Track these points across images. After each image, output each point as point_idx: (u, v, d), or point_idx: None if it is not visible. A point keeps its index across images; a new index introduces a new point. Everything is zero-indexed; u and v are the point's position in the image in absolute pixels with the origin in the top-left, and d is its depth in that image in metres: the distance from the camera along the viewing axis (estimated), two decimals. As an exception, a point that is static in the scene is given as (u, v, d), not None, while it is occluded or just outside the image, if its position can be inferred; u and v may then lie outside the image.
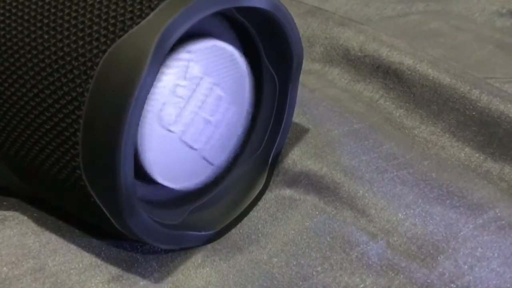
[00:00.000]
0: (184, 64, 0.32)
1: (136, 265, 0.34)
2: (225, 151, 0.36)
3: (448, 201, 0.38)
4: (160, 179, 0.33)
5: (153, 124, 0.31)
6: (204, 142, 0.35)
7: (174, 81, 0.32)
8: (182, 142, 0.33)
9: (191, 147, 0.34)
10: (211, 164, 0.36)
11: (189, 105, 0.33)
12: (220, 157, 0.36)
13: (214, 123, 0.35)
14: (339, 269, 0.34)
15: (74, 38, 0.30)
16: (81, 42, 0.30)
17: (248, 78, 0.36)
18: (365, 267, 0.35)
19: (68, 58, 0.30)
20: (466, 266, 0.35)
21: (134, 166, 0.31)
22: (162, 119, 0.32)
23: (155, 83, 0.31)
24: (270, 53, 0.37)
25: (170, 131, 0.32)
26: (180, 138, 0.33)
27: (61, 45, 0.30)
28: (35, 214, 0.36)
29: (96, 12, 0.30)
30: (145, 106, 0.30)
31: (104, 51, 0.29)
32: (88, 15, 0.30)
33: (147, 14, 0.30)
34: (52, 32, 0.30)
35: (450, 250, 0.35)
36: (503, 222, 0.37)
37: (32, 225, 0.35)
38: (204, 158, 0.35)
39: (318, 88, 0.47)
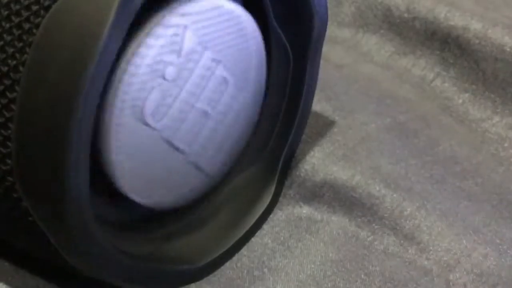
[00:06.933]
0: (175, 33, 0.30)
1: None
2: (226, 156, 0.35)
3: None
4: (130, 193, 0.31)
5: (125, 117, 0.29)
6: (197, 143, 0.33)
7: (161, 56, 0.30)
8: (166, 142, 0.31)
9: (178, 149, 0.32)
10: (205, 173, 0.34)
11: (180, 91, 0.31)
12: (217, 164, 0.34)
13: (214, 116, 0.33)
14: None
15: None
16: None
17: (263, 53, 0.34)
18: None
19: None
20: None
21: (92, 173, 0.29)
22: (139, 110, 0.30)
23: (134, 59, 0.29)
24: (282, 14, 0.35)
25: (149, 126, 0.30)
26: (162, 137, 0.31)
27: None
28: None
29: None
30: (117, 92, 0.29)
31: (47, 8, 0.27)
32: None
33: None
34: None
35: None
36: None
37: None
38: (195, 165, 0.33)
39: (347, 63, 0.45)
